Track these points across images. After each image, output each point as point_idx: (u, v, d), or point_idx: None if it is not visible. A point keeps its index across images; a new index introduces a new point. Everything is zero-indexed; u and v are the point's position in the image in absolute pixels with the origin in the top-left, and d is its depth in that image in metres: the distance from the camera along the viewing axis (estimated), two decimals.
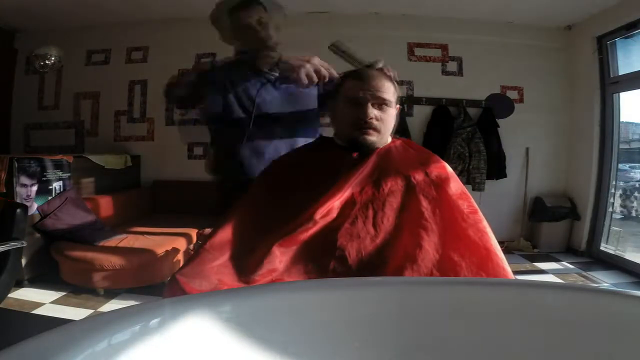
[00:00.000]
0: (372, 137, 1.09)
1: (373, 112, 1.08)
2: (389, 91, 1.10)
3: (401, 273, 0.89)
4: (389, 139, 1.17)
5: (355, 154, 1.11)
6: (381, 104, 1.09)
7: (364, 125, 1.08)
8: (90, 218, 3.09)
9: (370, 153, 1.11)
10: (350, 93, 1.10)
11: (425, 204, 1.00)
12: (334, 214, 1.00)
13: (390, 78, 1.13)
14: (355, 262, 0.93)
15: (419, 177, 1.05)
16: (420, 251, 0.92)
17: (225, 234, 1.01)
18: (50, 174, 2.97)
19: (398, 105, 1.17)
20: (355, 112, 1.09)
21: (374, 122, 1.08)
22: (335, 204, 1.01)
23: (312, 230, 0.97)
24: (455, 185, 1.07)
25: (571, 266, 3.55)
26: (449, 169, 1.11)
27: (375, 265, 0.92)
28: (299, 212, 1.01)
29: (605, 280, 3.23)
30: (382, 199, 1.02)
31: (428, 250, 0.92)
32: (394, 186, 1.04)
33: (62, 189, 3.06)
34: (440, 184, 1.05)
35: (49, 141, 4.21)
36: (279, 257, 0.93)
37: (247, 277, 0.89)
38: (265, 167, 1.22)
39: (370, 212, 1.00)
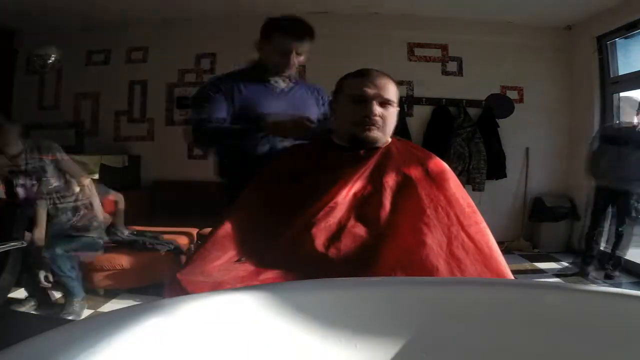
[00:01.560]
0: (375, 134, 1.09)
1: (378, 109, 1.07)
2: (392, 91, 1.10)
3: (405, 270, 0.89)
4: (389, 139, 1.17)
5: (361, 152, 1.11)
6: (385, 103, 1.09)
7: (368, 122, 1.07)
8: None
9: (372, 150, 1.11)
10: (353, 91, 1.09)
11: (427, 201, 1.00)
12: (336, 212, 1.01)
13: (392, 79, 1.13)
14: (357, 260, 0.93)
15: (420, 175, 1.05)
16: (424, 248, 0.92)
17: (225, 232, 1.01)
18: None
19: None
20: (359, 109, 1.08)
21: (378, 119, 1.08)
22: (337, 201, 1.01)
23: (315, 231, 0.97)
24: (455, 184, 1.07)
25: (571, 266, 3.55)
26: (448, 168, 1.12)
27: (378, 262, 0.92)
28: (301, 212, 1.01)
29: (605, 280, 3.23)
30: (385, 196, 1.02)
31: (432, 246, 0.92)
32: (395, 184, 1.04)
33: None
34: (441, 182, 1.05)
35: None
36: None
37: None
38: (264, 166, 1.22)
39: (373, 210, 1.00)
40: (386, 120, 1.09)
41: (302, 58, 1.49)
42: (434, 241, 0.93)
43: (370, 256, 0.93)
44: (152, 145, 4.25)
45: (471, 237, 0.95)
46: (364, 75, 1.10)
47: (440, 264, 0.89)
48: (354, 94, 1.09)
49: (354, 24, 3.95)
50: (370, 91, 1.06)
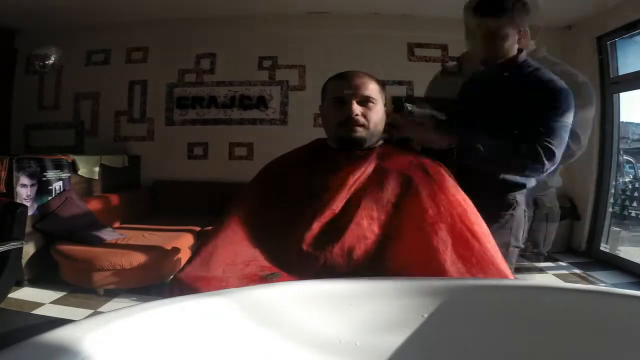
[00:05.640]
0: (360, 134, 1.10)
1: (358, 108, 1.09)
2: (372, 89, 1.12)
3: (411, 271, 0.89)
4: (381, 141, 1.18)
5: (357, 152, 1.12)
6: (365, 101, 1.10)
7: (351, 122, 1.09)
8: (90, 218, 3.09)
9: (361, 150, 1.12)
10: (334, 93, 1.12)
11: (429, 201, 1.00)
12: (338, 213, 1.01)
13: (373, 77, 1.14)
14: (362, 261, 0.93)
15: (419, 175, 1.05)
16: (429, 248, 0.92)
17: (224, 235, 1.01)
18: (50, 174, 2.97)
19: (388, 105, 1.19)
20: (340, 110, 1.10)
21: (360, 118, 1.09)
22: (338, 203, 1.02)
23: (317, 231, 0.98)
24: (453, 184, 1.07)
25: (571, 266, 3.55)
26: (445, 168, 1.12)
27: (383, 263, 0.92)
28: (301, 215, 1.01)
29: (604, 280, 3.23)
30: (386, 198, 1.02)
31: (438, 247, 0.92)
32: (396, 184, 1.04)
33: (62, 189, 3.06)
34: (441, 182, 1.05)
35: (49, 141, 4.21)
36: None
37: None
38: (260, 170, 1.22)
39: (375, 213, 1.00)
40: (370, 118, 1.11)
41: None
42: (439, 241, 0.93)
43: (375, 257, 0.93)
44: (152, 145, 4.25)
45: (475, 236, 0.95)
46: (342, 78, 1.13)
47: (447, 263, 0.89)
48: (334, 97, 1.12)
49: (354, 24, 3.95)
50: (348, 91, 1.09)
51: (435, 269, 0.88)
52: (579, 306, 0.54)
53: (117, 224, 3.47)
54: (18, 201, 2.63)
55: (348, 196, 1.03)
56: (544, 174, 1.30)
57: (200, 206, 3.86)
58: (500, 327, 0.53)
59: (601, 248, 3.75)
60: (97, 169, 3.55)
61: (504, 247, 1.27)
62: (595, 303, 0.54)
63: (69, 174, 3.16)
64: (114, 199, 3.58)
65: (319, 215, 0.99)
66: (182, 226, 3.34)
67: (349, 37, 3.92)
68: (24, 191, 2.76)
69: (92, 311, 2.48)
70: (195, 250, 0.99)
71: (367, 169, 1.08)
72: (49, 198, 2.94)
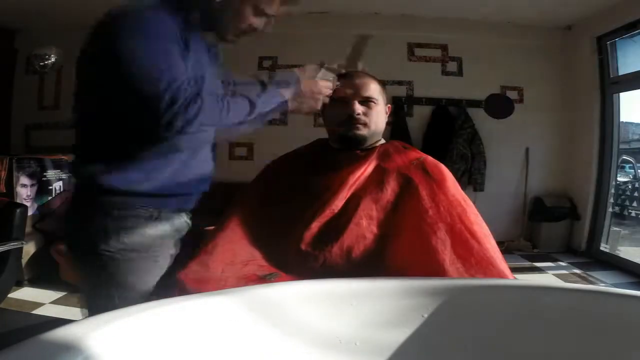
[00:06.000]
0: (362, 132, 1.12)
1: (360, 108, 1.11)
2: (374, 89, 1.14)
3: (409, 271, 0.89)
4: (382, 140, 1.18)
5: (357, 152, 1.12)
6: (367, 101, 1.12)
7: (353, 120, 1.11)
8: None
9: (362, 149, 1.12)
10: (336, 93, 1.14)
11: (429, 201, 1.00)
12: (337, 213, 1.01)
13: (374, 78, 1.16)
14: (361, 260, 0.93)
15: (419, 175, 1.06)
16: (428, 248, 0.92)
17: (224, 235, 1.01)
18: (50, 174, 2.97)
19: (389, 105, 1.21)
20: (342, 109, 1.12)
21: (362, 117, 1.11)
22: (338, 202, 1.02)
23: (316, 230, 0.98)
24: (453, 183, 1.07)
25: (571, 266, 3.55)
26: (445, 167, 1.12)
27: (382, 262, 0.92)
28: (301, 214, 1.01)
29: (604, 280, 3.23)
30: (386, 198, 1.02)
31: (436, 247, 0.92)
32: (396, 184, 1.04)
33: (62, 189, 3.06)
34: (441, 182, 1.05)
35: (49, 141, 4.20)
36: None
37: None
38: (261, 170, 1.22)
39: (375, 213, 1.00)
40: (371, 118, 1.12)
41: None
42: (438, 241, 0.93)
43: (374, 257, 0.94)
44: None
45: (474, 236, 0.95)
46: (344, 77, 1.15)
47: (446, 263, 0.89)
48: (336, 97, 1.13)
49: (354, 24, 3.95)
50: (349, 91, 1.12)
51: (434, 269, 0.88)
52: (579, 306, 0.54)
53: None
54: (18, 201, 2.63)
55: (348, 196, 1.03)
56: None
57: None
58: (500, 327, 0.53)
59: (601, 248, 3.75)
60: None
61: None
62: (595, 303, 0.54)
63: (69, 174, 3.16)
64: None
65: (318, 215, 1.00)
66: None
67: (349, 37, 3.92)
68: (24, 191, 2.76)
69: None
70: (196, 250, 1.00)
71: (367, 168, 1.08)
72: (49, 198, 2.94)
